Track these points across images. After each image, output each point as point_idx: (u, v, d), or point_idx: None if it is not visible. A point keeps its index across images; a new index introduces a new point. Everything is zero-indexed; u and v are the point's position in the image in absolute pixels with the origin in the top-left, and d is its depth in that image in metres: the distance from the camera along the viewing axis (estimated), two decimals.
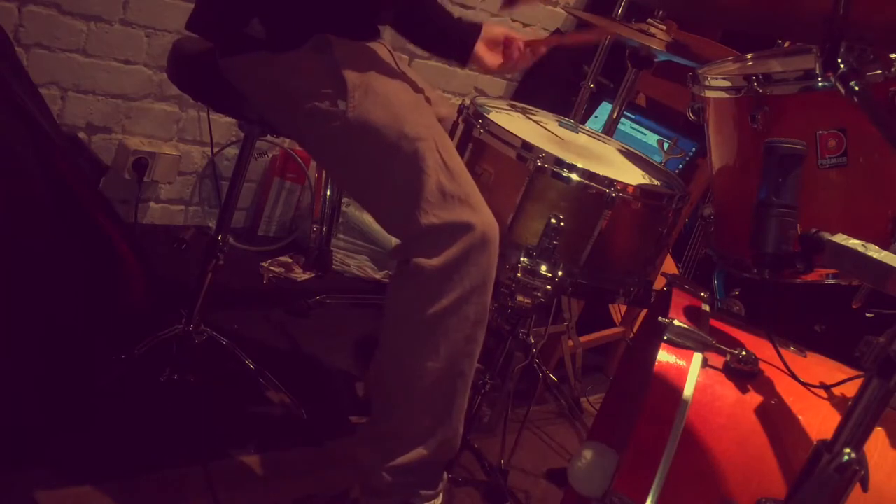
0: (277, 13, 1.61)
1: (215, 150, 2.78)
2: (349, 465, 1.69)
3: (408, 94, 1.66)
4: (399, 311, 1.55)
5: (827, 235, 1.11)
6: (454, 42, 1.78)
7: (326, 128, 1.58)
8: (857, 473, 0.94)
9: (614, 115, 2.31)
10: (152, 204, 2.76)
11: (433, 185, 1.49)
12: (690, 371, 1.20)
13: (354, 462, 1.63)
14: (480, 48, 1.76)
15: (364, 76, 1.59)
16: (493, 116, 1.68)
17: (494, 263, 1.51)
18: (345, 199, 2.76)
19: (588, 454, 1.41)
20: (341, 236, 2.89)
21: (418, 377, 1.52)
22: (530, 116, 1.91)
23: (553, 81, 1.77)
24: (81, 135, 2.51)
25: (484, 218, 1.50)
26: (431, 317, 1.49)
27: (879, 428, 1.18)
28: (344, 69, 1.57)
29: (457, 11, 2.08)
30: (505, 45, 1.80)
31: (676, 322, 1.24)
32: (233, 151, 2.80)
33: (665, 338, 1.23)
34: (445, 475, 1.67)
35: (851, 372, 1.28)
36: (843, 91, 1.15)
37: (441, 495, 1.64)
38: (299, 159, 2.92)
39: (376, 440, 1.59)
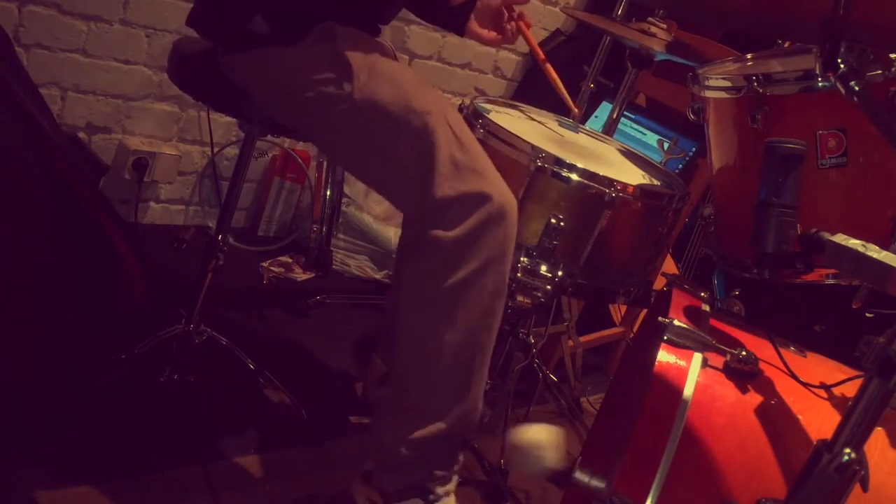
0: (280, 9, 1.61)
1: (215, 150, 2.78)
2: (349, 465, 1.69)
3: (412, 74, 1.64)
4: (416, 284, 1.52)
5: (827, 235, 1.11)
6: (448, 13, 1.77)
7: (334, 112, 1.56)
8: (857, 473, 0.94)
9: (614, 115, 2.31)
10: (152, 204, 2.76)
11: (445, 157, 1.46)
12: (690, 371, 1.20)
13: (372, 435, 1.61)
14: (474, 22, 1.75)
15: (368, 57, 1.57)
16: (493, 116, 1.69)
17: (513, 235, 1.48)
18: (345, 199, 2.76)
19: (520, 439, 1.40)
20: (341, 236, 2.89)
21: (437, 350, 1.49)
22: (530, 116, 1.91)
23: None
24: (81, 135, 2.51)
25: (500, 189, 1.47)
26: (449, 288, 1.46)
27: (879, 428, 1.18)
28: (347, 53, 1.56)
29: None
30: (501, 14, 1.77)
31: (676, 322, 1.24)
32: (233, 151, 2.80)
33: (665, 338, 1.23)
34: (461, 456, 1.64)
35: (851, 372, 1.28)
36: (843, 91, 1.15)
37: (455, 477, 1.61)
38: (299, 159, 2.92)
39: (395, 414, 1.56)
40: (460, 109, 1.73)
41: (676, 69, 2.11)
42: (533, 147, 1.57)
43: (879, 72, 1.24)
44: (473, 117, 1.66)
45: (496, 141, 1.61)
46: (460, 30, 1.73)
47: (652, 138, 2.68)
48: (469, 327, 1.49)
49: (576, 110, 1.87)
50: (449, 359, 1.50)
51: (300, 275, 2.77)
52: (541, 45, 1.85)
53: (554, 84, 1.74)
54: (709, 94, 1.54)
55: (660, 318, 1.25)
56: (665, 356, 1.22)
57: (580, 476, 1.27)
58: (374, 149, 1.56)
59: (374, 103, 1.53)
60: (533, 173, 1.56)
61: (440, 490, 1.58)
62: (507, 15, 1.72)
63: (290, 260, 2.84)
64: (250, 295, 2.60)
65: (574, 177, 1.56)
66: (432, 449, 1.55)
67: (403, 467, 1.55)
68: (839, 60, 1.14)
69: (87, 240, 1.82)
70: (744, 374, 1.23)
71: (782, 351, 1.29)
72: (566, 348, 2.50)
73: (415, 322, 1.53)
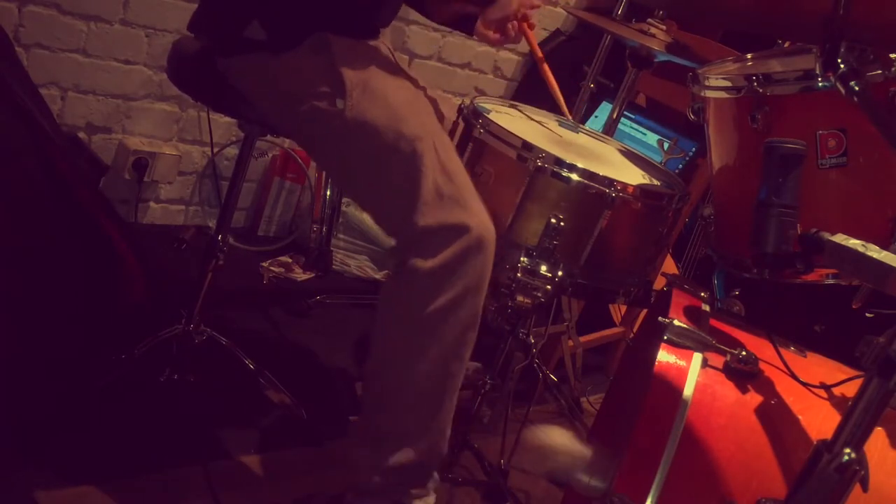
0: (277, 15, 1.61)
1: (215, 150, 2.78)
2: (348, 465, 1.69)
3: (407, 93, 1.65)
4: (392, 312, 1.54)
5: (827, 235, 1.11)
6: (458, 14, 1.77)
7: (325, 127, 1.58)
8: (857, 473, 0.94)
9: (614, 115, 2.31)
10: (152, 204, 2.76)
11: (430, 185, 1.49)
12: (690, 371, 1.20)
13: (349, 462, 1.63)
14: (481, 24, 1.75)
15: (362, 75, 1.58)
16: (493, 116, 1.68)
17: (489, 266, 1.51)
18: (345, 199, 2.75)
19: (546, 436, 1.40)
20: (341, 236, 2.89)
21: (408, 378, 1.52)
22: (530, 116, 1.90)
23: None
24: (81, 135, 2.51)
25: (480, 220, 1.49)
26: (424, 318, 1.48)
27: (879, 428, 1.18)
28: (342, 68, 1.57)
29: None
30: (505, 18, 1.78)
31: (676, 322, 1.24)
32: (233, 151, 2.80)
33: (665, 338, 1.23)
34: (436, 474, 1.66)
35: (851, 372, 1.28)
36: (843, 91, 1.15)
37: (433, 494, 1.64)
38: (299, 159, 2.92)
39: (366, 441, 1.59)
40: (460, 110, 1.73)
41: (676, 69, 2.10)
42: (533, 147, 1.57)
43: (879, 72, 1.24)
44: (473, 117, 1.66)
45: (496, 141, 1.61)
46: (468, 30, 1.74)
47: (652, 138, 2.68)
48: (441, 357, 1.51)
49: (569, 116, 1.88)
50: (419, 387, 1.53)
51: (300, 275, 2.77)
52: (541, 45, 1.85)
53: (550, 86, 1.75)
54: (709, 94, 1.54)
55: (660, 318, 1.25)
56: (665, 356, 1.22)
57: (580, 476, 1.27)
58: (361, 169, 1.58)
59: (364, 124, 1.54)
60: (533, 173, 1.56)
61: (418, 502, 1.62)
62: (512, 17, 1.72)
63: (290, 260, 2.84)
64: (250, 295, 2.60)
65: (574, 177, 1.56)
66: (404, 474, 1.58)
67: (377, 493, 1.58)
68: (839, 60, 1.14)
69: (87, 240, 1.82)
70: (744, 374, 1.23)
71: (782, 351, 1.29)
72: (566, 348, 2.50)
73: (388, 350, 1.56)
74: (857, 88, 1.14)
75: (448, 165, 1.53)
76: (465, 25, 1.76)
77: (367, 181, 1.59)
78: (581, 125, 2.07)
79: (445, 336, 1.50)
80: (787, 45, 1.71)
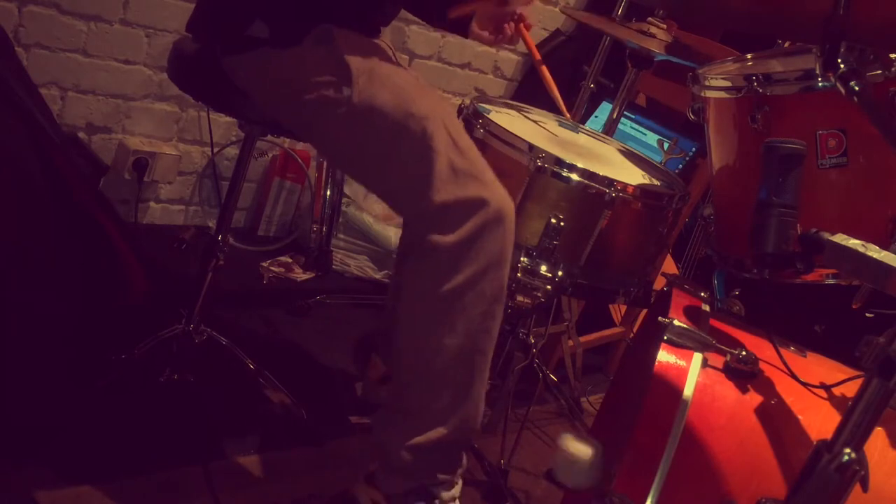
0: (280, 12, 1.61)
1: (215, 150, 2.78)
2: (349, 465, 1.69)
3: (411, 76, 1.65)
4: (416, 289, 1.53)
5: (827, 235, 1.11)
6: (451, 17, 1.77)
7: (333, 115, 1.57)
8: (857, 473, 0.94)
9: (614, 115, 2.31)
10: (152, 204, 2.76)
11: (444, 162, 1.48)
12: (690, 371, 1.21)
13: (377, 441, 1.61)
14: (475, 24, 1.75)
15: (367, 61, 1.58)
16: (493, 116, 1.69)
17: (510, 239, 1.49)
18: (345, 199, 2.76)
19: (567, 445, 1.40)
20: (341, 236, 2.89)
21: (436, 354, 1.50)
22: (530, 116, 1.91)
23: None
24: (81, 135, 2.51)
25: (497, 193, 1.48)
26: (448, 293, 1.47)
27: (879, 428, 1.19)
28: (347, 56, 1.56)
29: None
30: (502, 16, 1.78)
31: (676, 322, 1.24)
32: (233, 151, 2.80)
33: (665, 338, 1.23)
34: (465, 459, 1.64)
35: (851, 372, 1.28)
36: (843, 91, 1.15)
37: (460, 482, 1.62)
38: (299, 159, 2.92)
39: (396, 418, 1.57)
40: (460, 110, 1.73)
41: (676, 69, 2.11)
42: (533, 147, 1.57)
43: (879, 72, 1.25)
44: (473, 117, 1.66)
45: (496, 141, 1.61)
46: (463, 31, 1.74)
47: (652, 138, 2.68)
48: (468, 331, 1.50)
49: (567, 115, 1.88)
50: (448, 363, 1.51)
51: (300, 275, 2.77)
52: (541, 45, 1.86)
53: (548, 87, 1.75)
54: (709, 94, 1.54)
55: (660, 318, 1.25)
56: (665, 356, 1.22)
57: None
58: (372, 153, 1.57)
59: (372, 108, 1.54)
60: (533, 173, 1.56)
61: (445, 495, 1.59)
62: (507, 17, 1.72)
63: (290, 260, 2.84)
64: (250, 295, 2.60)
65: (574, 177, 1.56)
66: (434, 454, 1.56)
67: (406, 471, 1.56)
68: (839, 60, 1.14)
69: (87, 240, 1.82)
70: (744, 374, 1.23)
71: (782, 351, 1.29)
72: (566, 348, 2.49)
73: (414, 327, 1.54)
74: (857, 88, 1.14)
75: (460, 142, 1.52)
76: (459, 27, 1.77)
77: (378, 165, 1.57)
78: (581, 125, 2.07)
79: (471, 311, 1.49)
80: (787, 45, 1.71)
